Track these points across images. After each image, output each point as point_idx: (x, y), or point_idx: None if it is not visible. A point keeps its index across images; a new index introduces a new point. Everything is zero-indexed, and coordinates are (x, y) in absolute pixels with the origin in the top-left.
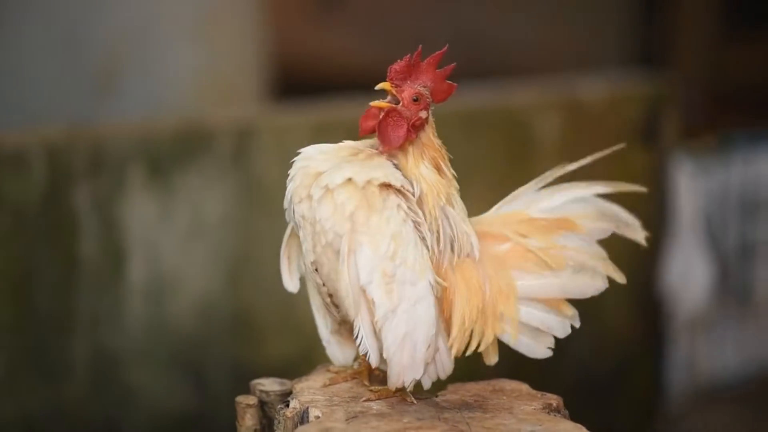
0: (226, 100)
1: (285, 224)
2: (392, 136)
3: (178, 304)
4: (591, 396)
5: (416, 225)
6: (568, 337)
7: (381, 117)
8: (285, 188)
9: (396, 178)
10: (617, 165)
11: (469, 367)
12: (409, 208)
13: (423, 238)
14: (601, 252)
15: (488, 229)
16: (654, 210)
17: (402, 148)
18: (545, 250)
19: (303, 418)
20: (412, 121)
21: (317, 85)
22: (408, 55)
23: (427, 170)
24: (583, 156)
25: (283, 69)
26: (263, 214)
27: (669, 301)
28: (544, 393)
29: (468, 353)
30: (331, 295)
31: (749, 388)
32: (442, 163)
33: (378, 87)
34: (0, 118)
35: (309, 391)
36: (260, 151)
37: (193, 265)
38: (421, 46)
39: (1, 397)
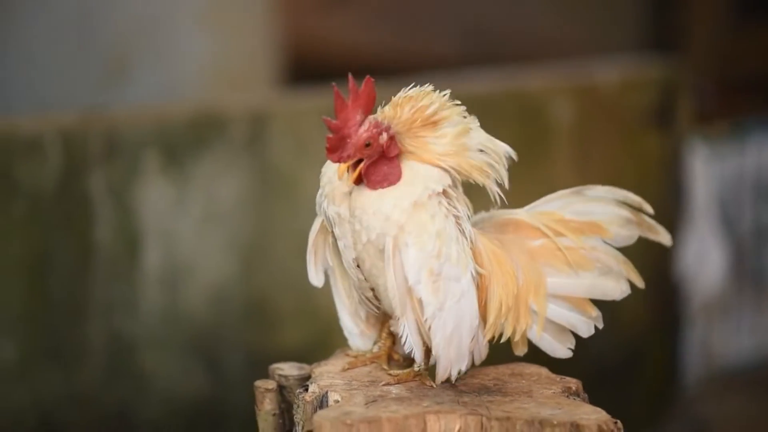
0: (239, 86)
1: (299, 209)
2: (388, 179)
3: (193, 290)
4: (605, 381)
5: (457, 220)
6: None
7: (366, 176)
8: (299, 173)
9: (437, 182)
10: (632, 150)
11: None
12: (449, 203)
13: (462, 231)
14: (624, 257)
15: (523, 221)
16: (669, 195)
17: (401, 169)
18: (576, 250)
19: (322, 402)
20: (384, 152)
21: (329, 71)
22: (327, 125)
23: (436, 141)
24: (597, 140)
25: (294, 55)
26: (278, 199)
27: (684, 285)
28: (563, 377)
29: (502, 340)
30: (372, 289)
31: (765, 372)
32: (431, 117)
33: (339, 178)
34: (14, 105)
35: (328, 375)
36: (274, 136)
37: (208, 251)
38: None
39: (16, 384)
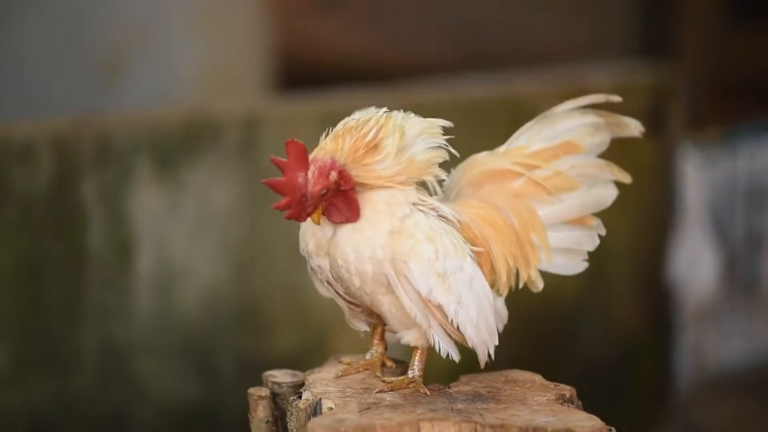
0: (232, 91)
1: None
2: (348, 215)
3: (187, 295)
4: (598, 386)
5: (435, 211)
6: (576, 328)
7: (329, 216)
8: None
9: (403, 205)
10: (624, 156)
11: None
12: (421, 202)
13: (446, 218)
14: (603, 161)
15: (498, 167)
16: (661, 200)
17: (357, 201)
18: (556, 176)
19: (316, 409)
20: (340, 188)
21: (322, 76)
22: (280, 191)
23: (382, 164)
24: None
25: (287, 60)
26: (271, 205)
27: (676, 291)
28: (557, 384)
29: (520, 287)
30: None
31: (757, 377)
32: (372, 142)
33: (317, 223)
34: (6, 111)
35: (321, 382)
36: (267, 141)
37: (201, 257)
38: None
39: (9, 389)
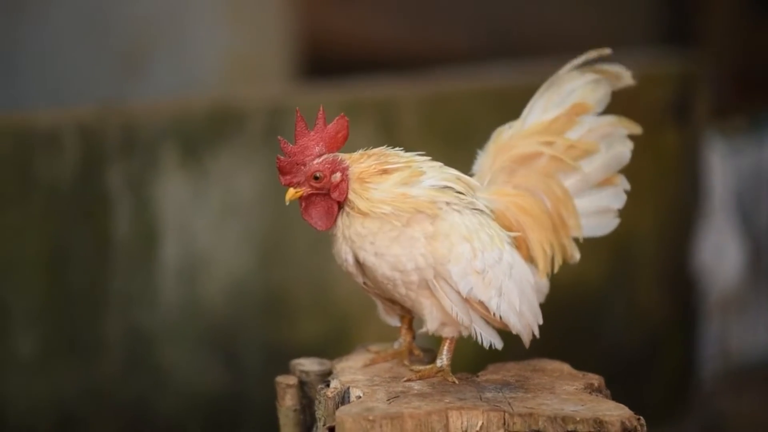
0: (256, 79)
1: None
2: (319, 221)
3: (211, 284)
4: (623, 376)
5: (471, 206)
6: (601, 318)
7: (302, 207)
8: None
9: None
10: (650, 145)
11: (506, 347)
12: (456, 197)
13: (481, 210)
14: (614, 117)
15: (528, 150)
16: (686, 189)
17: (339, 216)
18: (576, 144)
19: (344, 398)
20: (331, 191)
21: (345, 64)
22: (282, 148)
23: (378, 188)
24: None
25: (311, 48)
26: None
27: (701, 280)
28: (586, 373)
29: (558, 265)
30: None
31: None
32: (385, 166)
33: (287, 201)
34: (32, 99)
35: (349, 371)
36: (291, 130)
37: (225, 245)
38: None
39: (35, 377)
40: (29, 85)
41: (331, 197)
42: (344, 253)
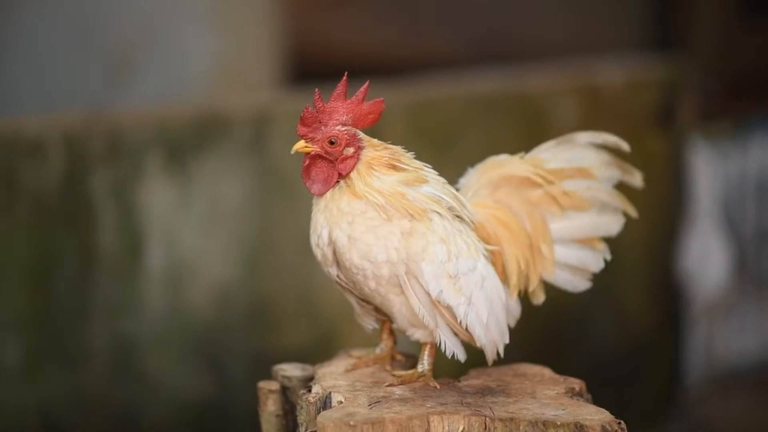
0: (242, 86)
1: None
2: (314, 184)
3: (196, 290)
4: (609, 380)
5: (450, 211)
6: (587, 323)
7: (305, 164)
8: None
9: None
10: (636, 150)
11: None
12: (444, 209)
13: (460, 217)
14: (615, 191)
15: (518, 172)
16: (672, 194)
17: (333, 187)
18: (572, 193)
19: (326, 403)
20: (338, 161)
21: (332, 71)
22: (314, 100)
23: (380, 178)
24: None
25: (298, 55)
26: (281, 200)
27: (687, 285)
28: (567, 377)
29: (530, 290)
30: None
31: (767, 372)
32: (396, 162)
33: (293, 151)
34: (17, 106)
35: (331, 376)
36: (277, 137)
37: (211, 252)
38: (346, 75)
39: (21, 385)
40: (15, 91)
41: (335, 167)
42: (320, 227)
